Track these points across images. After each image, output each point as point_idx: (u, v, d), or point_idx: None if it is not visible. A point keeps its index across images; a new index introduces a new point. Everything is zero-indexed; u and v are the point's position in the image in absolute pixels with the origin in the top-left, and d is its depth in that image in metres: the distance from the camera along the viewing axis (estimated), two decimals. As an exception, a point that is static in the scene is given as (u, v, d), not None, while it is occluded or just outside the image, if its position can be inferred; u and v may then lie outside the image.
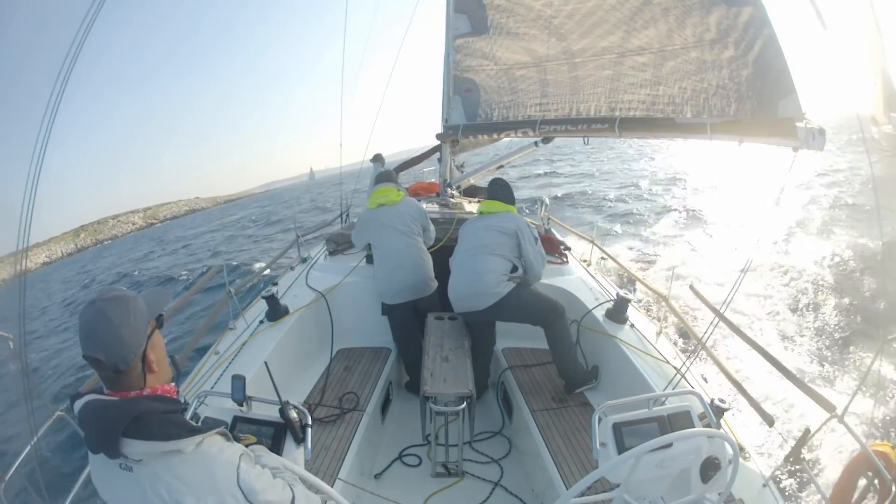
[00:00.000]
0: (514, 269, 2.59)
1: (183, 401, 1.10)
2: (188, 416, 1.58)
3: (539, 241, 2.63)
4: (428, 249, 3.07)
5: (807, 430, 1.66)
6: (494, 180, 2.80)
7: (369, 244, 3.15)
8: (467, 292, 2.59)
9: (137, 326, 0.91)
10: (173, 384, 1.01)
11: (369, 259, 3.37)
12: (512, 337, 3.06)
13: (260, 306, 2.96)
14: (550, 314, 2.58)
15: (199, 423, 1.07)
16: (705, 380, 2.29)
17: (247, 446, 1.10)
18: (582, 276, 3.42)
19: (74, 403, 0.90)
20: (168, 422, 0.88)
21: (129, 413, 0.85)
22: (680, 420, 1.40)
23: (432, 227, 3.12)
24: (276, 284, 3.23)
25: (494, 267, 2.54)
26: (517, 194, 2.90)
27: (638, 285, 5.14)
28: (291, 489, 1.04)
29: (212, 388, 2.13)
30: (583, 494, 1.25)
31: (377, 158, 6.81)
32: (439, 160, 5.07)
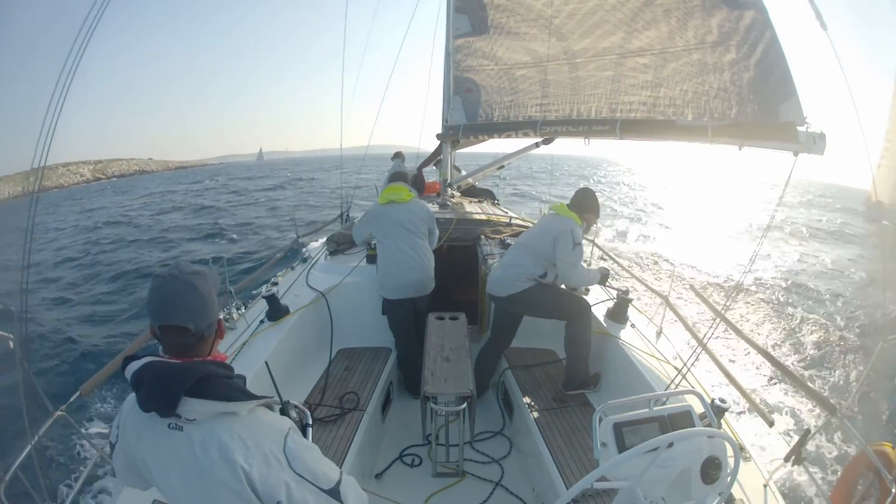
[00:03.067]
0: (544, 274, 2.62)
1: None
2: None
3: (577, 249, 2.56)
4: None
5: (807, 430, 1.66)
6: (580, 188, 2.80)
7: (368, 240, 3.16)
8: (496, 276, 2.76)
9: (215, 298, 1.01)
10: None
11: (370, 259, 3.38)
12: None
13: (260, 306, 2.96)
14: (572, 308, 2.63)
15: None
16: (706, 380, 2.30)
17: None
18: None
19: (129, 365, 0.94)
20: (229, 385, 0.94)
21: (196, 373, 0.90)
22: (680, 420, 1.40)
23: (437, 232, 3.15)
24: (276, 284, 3.23)
25: (524, 264, 2.65)
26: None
27: (638, 285, 5.16)
28: (341, 472, 1.07)
29: None
30: (583, 495, 1.25)
31: (398, 156, 6.89)
32: (436, 165, 5.09)
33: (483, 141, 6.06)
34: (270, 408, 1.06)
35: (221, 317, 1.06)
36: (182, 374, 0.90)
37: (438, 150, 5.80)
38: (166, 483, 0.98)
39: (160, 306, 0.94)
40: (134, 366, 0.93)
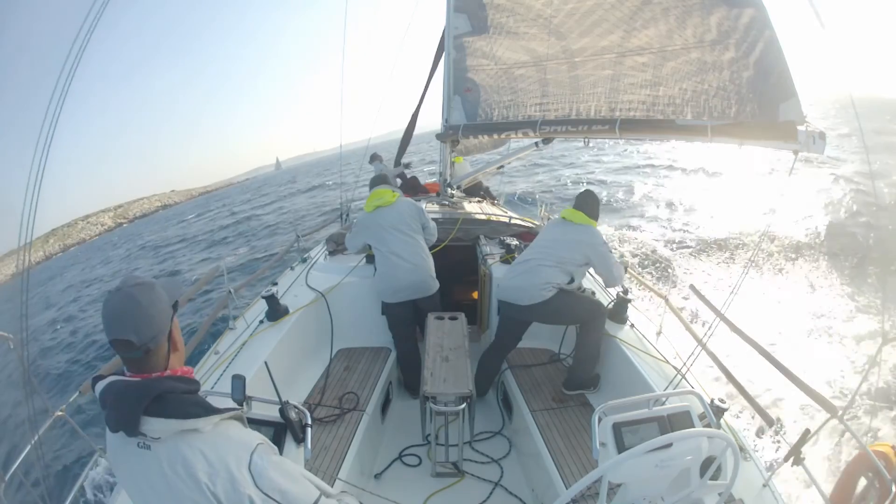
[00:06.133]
0: (571, 281, 2.63)
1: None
2: None
3: (611, 254, 2.65)
4: (430, 249, 3.08)
5: (807, 430, 1.66)
6: (585, 192, 2.80)
7: (363, 248, 3.16)
8: (515, 284, 2.67)
9: (164, 309, 0.98)
10: (189, 366, 1.07)
11: (369, 259, 3.38)
12: None
13: (260, 306, 2.96)
14: (590, 313, 2.63)
15: None
16: (705, 380, 2.30)
17: None
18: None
19: (96, 385, 0.94)
20: (188, 401, 0.92)
21: (152, 392, 0.88)
22: (680, 420, 1.41)
23: (432, 224, 3.13)
24: (276, 284, 3.23)
25: (548, 272, 2.59)
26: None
27: (638, 285, 5.15)
28: (320, 493, 1.03)
29: (212, 388, 2.13)
30: (582, 495, 1.25)
31: (375, 158, 6.81)
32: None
33: (487, 149, 6.07)
34: (242, 420, 1.03)
35: (174, 326, 1.01)
36: (138, 393, 0.88)
37: (408, 137, 5.77)
38: (142, 501, 0.96)
39: (106, 322, 0.93)
40: (100, 385, 0.93)
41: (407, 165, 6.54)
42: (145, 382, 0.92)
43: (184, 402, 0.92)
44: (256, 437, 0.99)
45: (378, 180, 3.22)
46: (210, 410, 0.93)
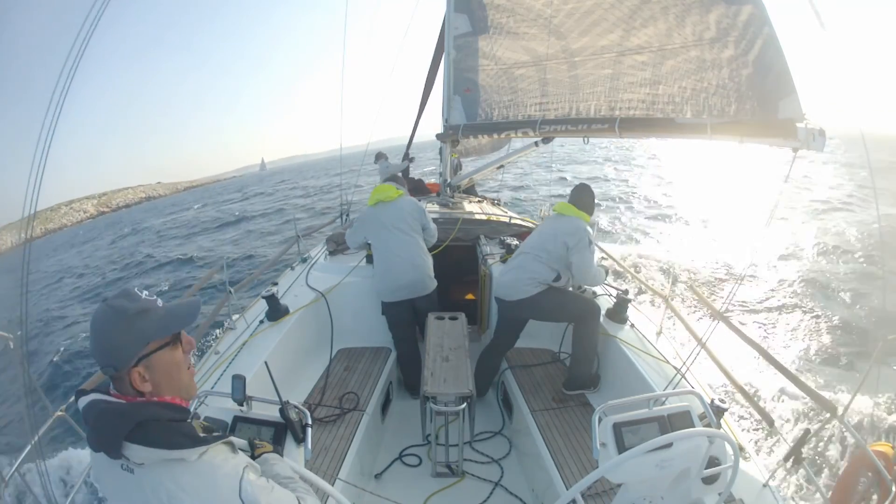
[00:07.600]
0: (557, 278, 2.61)
1: (193, 409, 1.06)
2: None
3: (592, 248, 2.57)
4: (430, 250, 3.08)
5: (807, 430, 1.66)
6: (579, 185, 2.79)
7: (363, 244, 3.16)
8: (505, 280, 2.71)
9: (122, 340, 0.88)
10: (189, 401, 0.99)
11: (369, 259, 3.38)
12: None
13: (260, 306, 2.96)
14: (582, 311, 2.63)
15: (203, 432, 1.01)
16: (705, 380, 2.30)
17: (259, 455, 1.12)
18: None
19: (79, 400, 0.89)
20: (172, 430, 0.86)
21: (133, 419, 0.83)
22: (680, 420, 1.40)
23: (433, 226, 3.12)
24: (276, 284, 3.23)
25: (536, 269, 2.60)
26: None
27: (638, 285, 5.15)
28: (300, 502, 1.02)
29: (212, 388, 2.13)
30: (583, 494, 1.25)
31: (380, 156, 6.81)
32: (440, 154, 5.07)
33: (486, 151, 6.10)
34: (231, 445, 0.98)
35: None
36: (119, 418, 0.83)
37: (413, 133, 5.90)
38: None
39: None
40: (82, 401, 0.88)
41: (411, 160, 6.57)
42: (127, 408, 0.86)
43: (169, 430, 0.86)
44: (242, 462, 0.95)
45: (388, 176, 3.26)
46: (197, 441, 0.88)
